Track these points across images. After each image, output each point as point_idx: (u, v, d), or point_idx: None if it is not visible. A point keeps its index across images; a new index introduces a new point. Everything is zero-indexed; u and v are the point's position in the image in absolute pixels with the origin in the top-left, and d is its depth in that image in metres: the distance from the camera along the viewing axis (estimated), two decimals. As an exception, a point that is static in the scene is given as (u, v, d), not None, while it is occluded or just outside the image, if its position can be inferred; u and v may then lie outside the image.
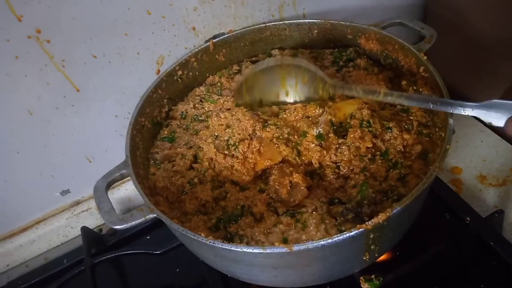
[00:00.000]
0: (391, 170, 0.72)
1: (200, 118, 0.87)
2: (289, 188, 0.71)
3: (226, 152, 0.77)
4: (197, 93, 0.94)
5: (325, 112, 0.77)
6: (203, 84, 0.96)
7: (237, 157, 0.76)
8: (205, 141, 0.80)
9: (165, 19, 0.89)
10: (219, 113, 0.84)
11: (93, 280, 0.88)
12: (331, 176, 0.73)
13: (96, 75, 0.88)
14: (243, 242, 0.65)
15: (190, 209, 0.72)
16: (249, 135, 0.77)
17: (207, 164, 0.77)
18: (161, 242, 0.92)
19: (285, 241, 0.62)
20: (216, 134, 0.80)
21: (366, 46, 0.90)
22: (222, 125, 0.81)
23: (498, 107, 0.60)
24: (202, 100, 0.91)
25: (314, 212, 0.66)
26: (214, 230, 0.69)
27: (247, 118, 0.78)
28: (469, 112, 0.63)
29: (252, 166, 0.76)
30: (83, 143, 0.95)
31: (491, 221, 0.82)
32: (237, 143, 0.76)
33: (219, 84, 0.94)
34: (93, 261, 0.91)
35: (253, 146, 0.76)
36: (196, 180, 0.76)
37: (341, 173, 0.74)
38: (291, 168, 0.74)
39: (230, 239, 0.66)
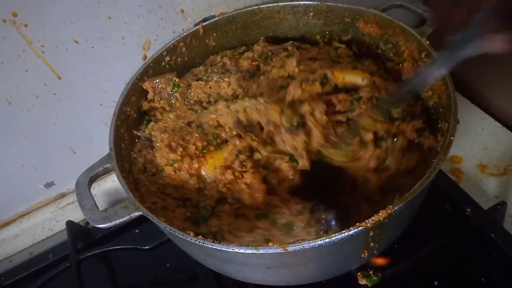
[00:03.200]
0: None
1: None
2: (248, 191, 0.67)
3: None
4: (195, 73, 0.90)
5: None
6: (203, 64, 0.92)
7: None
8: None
9: (151, 1, 0.84)
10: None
11: (79, 276, 0.85)
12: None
13: (78, 61, 0.84)
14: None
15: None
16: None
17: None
18: (150, 236, 0.89)
19: (267, 242, 0.60)
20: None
21: (364, 30, 0.86)
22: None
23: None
24: (200, 80, 0.86)
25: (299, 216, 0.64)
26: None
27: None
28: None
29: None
30: (66, 133, 0.91)
31: (492, 213, 0.80)
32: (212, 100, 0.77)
33: (220, 64, 0.89)
34: (79, 257, 0.88)
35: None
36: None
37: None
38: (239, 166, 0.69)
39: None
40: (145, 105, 0.83)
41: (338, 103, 0.74)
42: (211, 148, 0.71)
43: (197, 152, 0.70)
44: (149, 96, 0.84)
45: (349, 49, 0.89)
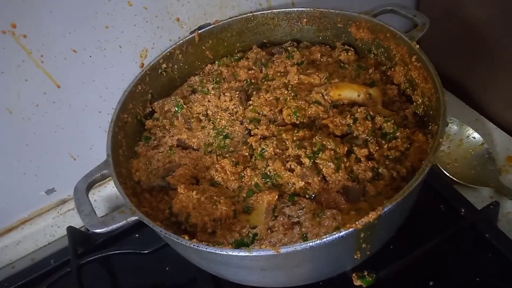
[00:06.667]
0: None
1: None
2: None
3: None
4: (190, 83, 0.91)
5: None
6: (200, 73, 0.94)
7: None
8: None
9: (147, 10, 0.86)
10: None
11: (79, 281, 0.86)
12: None
13: (77, 70, 0.85)
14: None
15: None
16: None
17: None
18: (150, 240, 0.89)
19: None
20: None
21: (356, 35, 0.87)
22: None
23: None
24: (195, 91, 0.88)
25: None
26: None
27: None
28: None
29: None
30: (66, 140, 0.93)
31: (486, 212, 0.80)
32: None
33: (217, 72, 0.91)
34: (79, 262, 0.89)
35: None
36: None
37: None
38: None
39: None
40: (149, 124, 0.85)
41: (335, 128, 0.73)
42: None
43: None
44: (156, 115, 0.86)
45: (353, 52, 0.89)
